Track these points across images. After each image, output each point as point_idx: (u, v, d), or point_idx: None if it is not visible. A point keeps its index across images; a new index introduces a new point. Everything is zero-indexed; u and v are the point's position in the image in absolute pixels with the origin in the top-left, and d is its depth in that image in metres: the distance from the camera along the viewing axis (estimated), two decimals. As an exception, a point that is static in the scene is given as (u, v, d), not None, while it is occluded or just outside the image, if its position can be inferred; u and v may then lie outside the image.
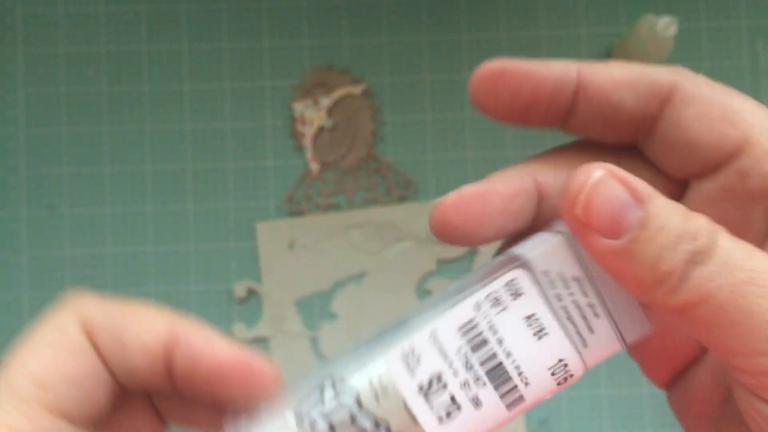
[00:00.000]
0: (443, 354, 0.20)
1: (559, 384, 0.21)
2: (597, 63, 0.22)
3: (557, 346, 0.21)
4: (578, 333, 0.21)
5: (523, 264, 0.21)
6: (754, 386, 0.19)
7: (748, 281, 0.19)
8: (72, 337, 0.22)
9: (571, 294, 0.21)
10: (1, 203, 0.60)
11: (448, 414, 0.20)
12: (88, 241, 0.60)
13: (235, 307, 0.60)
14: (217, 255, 0.60)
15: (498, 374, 0.21)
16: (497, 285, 0.21)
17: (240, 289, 0.60)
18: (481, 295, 0.21)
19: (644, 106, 0.22)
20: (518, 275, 0.21)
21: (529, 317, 0.21)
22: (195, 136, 0.61)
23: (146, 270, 0.60)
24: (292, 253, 0.60)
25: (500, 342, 0.21)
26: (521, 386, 0.21)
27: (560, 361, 0.21)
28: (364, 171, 0.61)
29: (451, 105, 0.61)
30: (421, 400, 0.20)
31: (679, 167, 0.22)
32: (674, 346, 0.25)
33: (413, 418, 0.20)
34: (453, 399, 0.20)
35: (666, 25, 0.53)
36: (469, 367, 0.20)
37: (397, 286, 0.59)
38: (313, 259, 0.60)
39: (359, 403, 0.20)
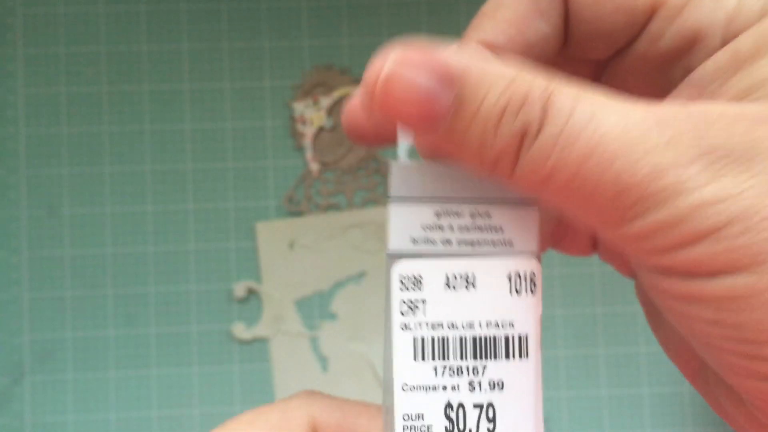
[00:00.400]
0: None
1: (531, 292, 0.20)
2: None
3: (490, 279, 0.20)
4: (493, 244, 0.20)
5: (395, 257, 0.20)
6: (636, 253, 0.17)
7: (591, 152, 0.16)
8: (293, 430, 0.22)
9: (450, 227, 0.20)
10: (1, 203, 0.60)
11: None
12: (88, 241, 0.60)
13: (235, 307, 0.60)
14: (217, 255, 0.60)
15: (481, 348, 0.20)
16: (396, 298, 0.20)
17: (240, 289, 0.60)
18: (396, 318, 0.20)
19: None
20: (401, 271, 0.20)
21: (447, 285, 0.20)
22: (195, 136, 0.61)
23: (146, 270, 0.60)
24: (292, 253, 0.60)
25: (453, 326, 0.20)
26: (509, 333, 0.20)
27: (510, 278, 0.20)
28: (364, 171, 0.61)
29: (451, 105, 0.61)
30: None
31: (599, 45, 0.20)
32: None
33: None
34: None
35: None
36: (459, 371, 0.20)
37: (397, 286, 0.59)
38: (313, 259, 0.60)
39: None
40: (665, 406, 0.59)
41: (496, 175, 0.17)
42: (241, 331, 0.59)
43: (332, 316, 0.60)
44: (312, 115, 0.61)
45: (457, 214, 0.20)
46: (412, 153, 0.21)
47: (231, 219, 0.60)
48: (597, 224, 0.17)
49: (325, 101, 0.61)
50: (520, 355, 0.20)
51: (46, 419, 0.59)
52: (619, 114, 0.16)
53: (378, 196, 0.60)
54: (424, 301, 0.20)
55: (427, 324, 0.20)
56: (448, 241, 0.20)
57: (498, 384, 0.20)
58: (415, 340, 0.20)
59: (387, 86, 0.17)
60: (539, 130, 0.16)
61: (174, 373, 0.59)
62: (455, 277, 0.20)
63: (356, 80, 0.61)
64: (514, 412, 0.20)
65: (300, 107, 0.61)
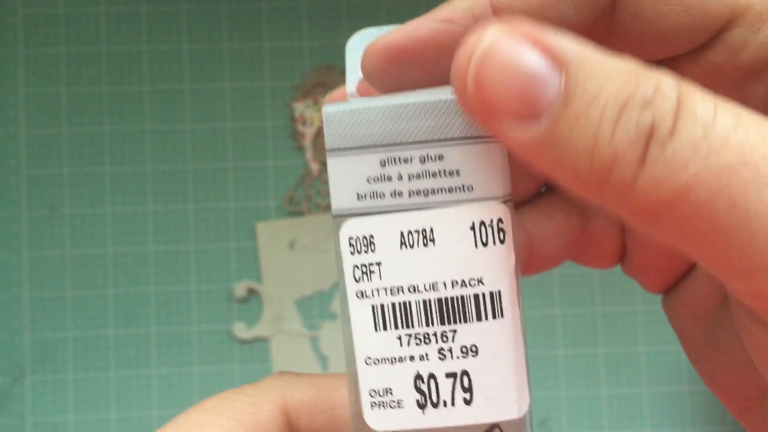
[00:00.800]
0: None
1: (500, 241, 0.17)
2: None
3: (451, 231, 0.17)
4: (449, 191, 0.17)
5: (340, 217, 0.18)
6: (757, 308, 0.14)
7: (741, 163, 0.13)
8: (262, 421, 0.20)
9: (399, 176, 0.17)
10: (1, 203, 0.60)
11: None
12: (88, 241, 0.60)
13: (235, 307, 0.60)
14: (217, 255, 0.60)
15: (449, 311, 0.18)
16: (347, 263, 0.18)
17: (240, 289, 0.60)
18: (350, 286, 0.18)
19: None
20: (349, 232, 0.17)
21: (403, 243, 0.17)
22: (195, 136, 0.61)
23: (146, 270, 0.60)
24: (292, 253, 0.60)
25: (414, 289, 0.18)
26: (478, 291, 0.17)
27: (473, 228, 0.17)
28: (364, 171, 0.61)
29: (451, 105, 0.61)
30: None
31: (653, 47, 0.17)
32: (667, 255, 0.20)
33: None
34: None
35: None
36: (426, 338, 0.18)
37: (397, 285, 0.59)
38: (313, 259, 0.60)
39: None
40: (665, 406, 0.59)
41: (607, 188, 0.13)
42: (241, 331, 0.59)
43: (332, 316, 0.60)
44: (312, 115, 0.61)
45: (406, 161, 0.17)
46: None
47: (231, 219, 0.60)
48: (722, 260, 0.13)
49: (325, 101, 0.61)
50: (494, 315, 0.17)
51: (46, 419, 0.59)
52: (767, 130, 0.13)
53: (378, 196, 0.60)
54: (378, 264, 0.17)
55: (385, 289, 0.18)
56: (398, 193, 0.17)
57: (471, 349, 0.18)
58: (373, 308, 0.18)
59: (484, 60, 0.14)
60: (673, 131, 0.13)
61: (174, 373, 0.59)
62: (411, 233, 0.17)
63: (356, 80, 0.61)
64: (492, 379, 0.18)
65: (300, 107, 0.61)
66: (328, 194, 0.60)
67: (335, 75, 0.61)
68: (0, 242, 0.60)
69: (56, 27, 0.61)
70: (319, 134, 0.61)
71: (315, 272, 0.60)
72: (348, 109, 0.17)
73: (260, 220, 0.60)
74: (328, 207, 0.60)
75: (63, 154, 0.60)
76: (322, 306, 0.60)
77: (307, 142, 0.60)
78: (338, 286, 0.60)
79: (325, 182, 0.60)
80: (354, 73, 0.19)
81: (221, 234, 0.60)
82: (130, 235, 0.60)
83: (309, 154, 0.60)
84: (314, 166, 0.60)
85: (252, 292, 0.60)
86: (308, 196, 0.60)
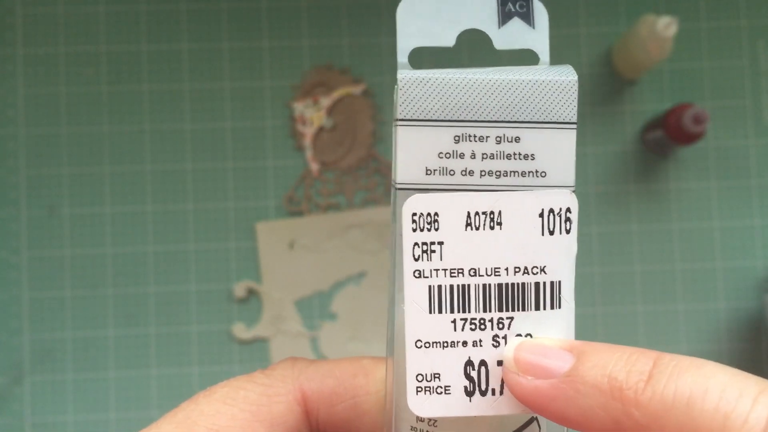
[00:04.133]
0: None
1: (566, 231, 0.17)
2: None
3: (519, 216, 0.16)
4: (522, 174, 0.17)
5: (405, 191, 0.17)
6: None
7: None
8: (277, 414, 0.19)
9: (472, 155, 0.17)
10: (1, 203, 0.60)
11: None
12: (88, 241, 0.60)
13: (235, 307, 0.60)
14: (217, 255, 0.60)
15: (508, 298, 0.17)
16: (408, 240, 0.17)
17: (240, 289, 0.60)
18: (408, 264, 0.17)
19: None
20: (414, 207, 0.17)
21: (468, 224, 0.17)
22: (195, 136, 0.61)
23: (146, 270, 0.60)
24: (292, 253, 0.60)
25: (475, 272, 0.17)
26: (540, 280, 0.17)
27: (542, 215, 0.17)
28: (364, 171, 0.61)
29: (451, 105, 0.61)
30: None
31: None
32: None
33: None
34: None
35: (666, 25, 0.53)
36: (482, 324, 0.17)
37: (397, 286, 0.59)
38: (313, 259, 0.60)
39: None
40: (665, 406, 0.59)
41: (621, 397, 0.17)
42: (241, 331, 0.59)
43: (332, 316, 0.60)
44: (312, 115, 0.61)
45: (481, 139, 0.17)
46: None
47: (231, 219, 0.60)
48: None
49: (325, 101, 0.61)
50: (552, 306, 0.17)
51: (46, 419, 0.59)
52: None
53: (378, 196, 0.60)
54: (441, 243, 0.17)
55: (444, 270, 0.17)
56: (469, 172, 0.17)
57: (525, 337, 0.17)
58: (430, 289, 0.17)
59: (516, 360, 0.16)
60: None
61: (174, 373, 0.59)
62: (478, 215, 0.17)
63: (356, 80, 0.61)
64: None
65: (300, 107, 0.61)
66: (328, 194, 0.60)
67: (335, 75, 0.61)
68: (0, 242, 0.60)
69: (55, 27, 0.61)
70: (318, 134, 0.61)
71: (315, 272, 0.60)
72: (426, 77, 0.17)
73: (260, 220, 0.60)
74: (327, 207, 0.60)
75: (62, 154, 0.60)
76: (321, 306, 0.60)
77: (307, 142, 0.60)
78: (338, 287, 0.60)
79: (325, 182, 0.60)
80: (405, 40, 0.18)
81: (221, 234, 0.60)
82: (130, 235, 0.60)
83: (309, 154, 0.60)
84: (314, 166, 0.60)
85: (252, 293, 0.60)
86: (308, 196, 0.60)
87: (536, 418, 0.18)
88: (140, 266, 0.60)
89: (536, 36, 0.19)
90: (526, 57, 0.20)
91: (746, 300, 0.60)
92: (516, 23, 0.19)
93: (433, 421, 0.18)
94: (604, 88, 0.61)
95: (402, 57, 0.19)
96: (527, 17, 0.19)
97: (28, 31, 0.61)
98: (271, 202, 0.60)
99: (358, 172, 0.61)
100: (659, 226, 0.60)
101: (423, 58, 0.19)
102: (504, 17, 0.19)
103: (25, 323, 0.59)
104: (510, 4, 0.18)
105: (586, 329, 0.59)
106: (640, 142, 0.60)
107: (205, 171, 0.60)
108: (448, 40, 0.19)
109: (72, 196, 0.60)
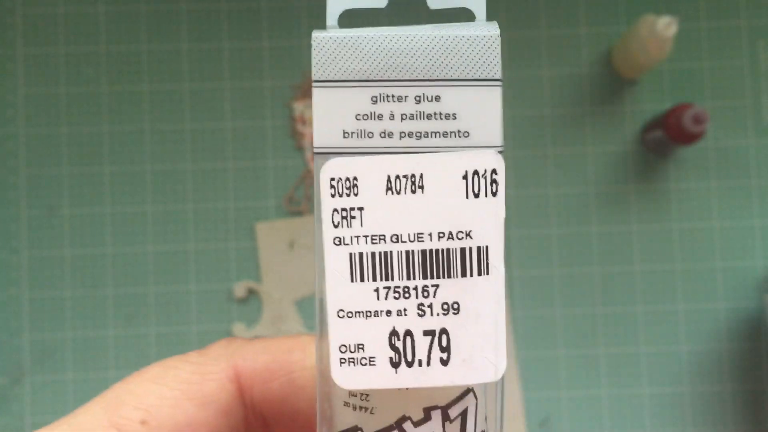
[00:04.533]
0: None
1: (492, 194, 0.16)
2: None
3: (442, 178, 0.16)
4: (444, 135, 0.16)
5: (323, 155, 0.16)
6: None
7: None
8: (208, 392, 0.19)
9: (390, 115, 0.16)
10: (1, 203, 0.60)
11: None
12: (88, 241, 0.60)
13: (235, 307, 0.60)
14: (217, 255, 0.60)
15: (433, 264, 0.16)
16: (326, 206, 0.16)
17: (240, 289, 0.60)
18: (328, 231, 0.16)
19: None
20: (332, 172, 0.16)
21: (389, 188, 0.16)
22: (195, 136, 0.61)
23: (146, 270, 0.60)
24: (292, 253, 0.60)
25: (398, 238, 0.16)
26: (465, 245, 0.16)
27: (466, 177, 0.16)
28: (364, 171, 0.61)
29: (451, 105, 0.61)
30: None
31: None
32: None
33: None
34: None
35: (666, 25, 0.53)
36: (406, 292, 0.16)
37: (397, 286, 0.59)
38: (313, 259, 0.60)
39: None
40: (665, 406, 0.59)
41: None
42: (241, 331, 0.59)
43: (332, 316, 0.60)
44: (312, 115, 0.61)
45: (400, 99, 0.16)
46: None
47: (231, 219, 0.60)
48: None
49: (325, 101, 0.61)
50: (479, 272, 0.16)
51: (46, 419, 0.59)
52: None
53: (378, 196, 0.60)
54: (361, 209, 0.16)
55: (365, 237, 0.16)
56: (388, 134, 0.16)
57: (452, 307, 0.16)
58: (351, 256, 0.16)
59: None
60: None
61: (174, 373, 0.59)
62: (398, 178, 0.16)
63: (356, 80, 0.61)
64: (472, 339, 0.16)
65: (300, 107, 0.61)
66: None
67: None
68: (0, 242, 0.60)
69: (56, 27, 0.61)
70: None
71: (315, 272, 0.59)
72: (341, 36, 0.16)
73: (260, 220, 0.60)
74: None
75: (62, 154, 0.60)
76: (322, 306, 0.60)
77: (307, 142, 0.60)
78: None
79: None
80: (335, 3, 0.18)
81: (221, 234, 0.60)
82: (130, 235, 0.60)
83: (309, 154, 0.60)
84: (314, 166, 0.60)
85: (252, 293, 0.60)
86: (308, 196, 0.60)
87: (472, 390, 0.17)
88: (140, 266, 0.60)
89: None
90: (463, 17, 0.19)
91: (746, 300, 0.60)
92: None
93: (365, 396, 0.17)
94: (604, 88, 0.61)
95: (331, 20, 0.18)
96: None
97: (28, 31, 0.61)
98: (271, 202, 0.60)
99: (358, 172, 0.61)
100: (659, 226, 0.60)
101: (355, 22, 0.19)
102: None
103: (25, 323, 0.59)
104: None
105: (586, 329, 0.59)
106: (640, 142, 0.60)
107: (205, 171, 0.60)
108: (380, 1, 0.19)
109: (72, 196, 0.60)
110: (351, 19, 0.19)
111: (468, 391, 0.17)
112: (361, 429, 0.17)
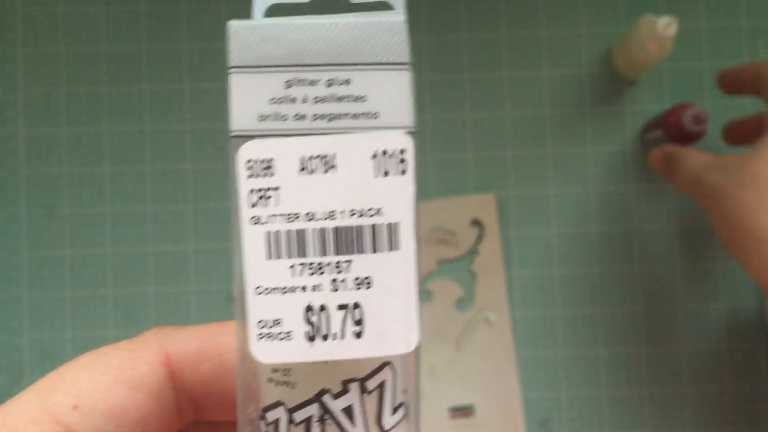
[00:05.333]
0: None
1: (401, 172, 0.17)
2: None
3: (352, 158, 0.17)
4: (354, 117, 0.17)
5: (240, 138, 0.17)
6: None
7: None
8: (139, 376, 0.20)
9: (303, 99, 0.17)
10: (1, 203, 0.60)
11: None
12: (88, 241, 0.60)
13: (235, 307, 0.60)
14: (217, 255, 0.60)
15: (345, 241, 0.17)
16: (243, 187, 0.17)
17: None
18: (245, 211, 0.17)
19: None
20: (248, 154, 0.17)
21: (303, 169, 0.17)
22: (195, 136, 0.61)
23: (146, 270, 0.60)
24: (292, 253, 0.60)
25: (312, 216, 0.17)
26: (376, 222, 0.17)
27: (375, 157, 0.17)
28: (364, 171, 0.61)
29: (451, 105, 0.61)
30: None
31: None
32: None
33: None
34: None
35: (666, 25, 0.53)
36: (320, 268, 0.17)
37: (397, 286, 0.59)
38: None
39: None
40: (665, 406, 0.59)
41: None
42: (241, 331, 0.59)
43: (332, 316, 0.60)
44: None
45: (312, 83, 0.17)
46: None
47: (231, 219, 0.60)
48: None
49: (325, 101, 0.61)
50: (390, 247, 0.17)
51: (46, 419, 0.59)
52: None
53: (378, 196, 0.60)
54: (276, 189, 0.17)
55: (281, 215, 0.17)
56: (301, 116, 0.17)
57: (365, 281, 0.17)
58: (268, 235, 0.17)
59: None
60: None
61: (174, 373, 0.59)
62: (311, 159, 0.17)
63: (356, 80, 0.61)
64: (384, 313, 0.17)
65: (300, 107, 0.61)
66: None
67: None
68: (0, 242, 0.60)
69: (56, 26, 0.61)
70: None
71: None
72: (255, 24, 0.17)
73: (260, 220, 0.60)
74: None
75: (62, 154, 0.60)
76: (322, 306, 0.60)
77: (307, 142, 0.60)
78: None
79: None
80: (262, 0, 0.19)
81: (221, 234, 0.60)
82: (130, 236, 0.60)
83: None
84: (314, 166, 0.60)
85: (252, 293, 0.60)
86: (308, 196, 0.60)
87: (390, 363, 0.18)
88: (140, 266, 0.60)
89: None
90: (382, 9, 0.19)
91: (746, 300, 0.60)
92: None
93: (286, 371, 0.18)
94: (604, 88, 0.61)
95: (257, 15, 0.19)
96: None
97: (28, 31, 0.61)
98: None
99: (358, 172, 0.60)
100: (659, 226, 0.60)
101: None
102: None
103: (25, 324, 0.59)
104: None
105: (586, 329, 0.59)
106: (640, 142, 0.60)
107: (205, 171, 0.60)
108: None
109: (72, 196, 0.60)
110: (278, 14, 0.19)
111: (385, 364, 0.18)
112: (283, 404, 0.18)
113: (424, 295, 0.60)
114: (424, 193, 0.60)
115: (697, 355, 0.59)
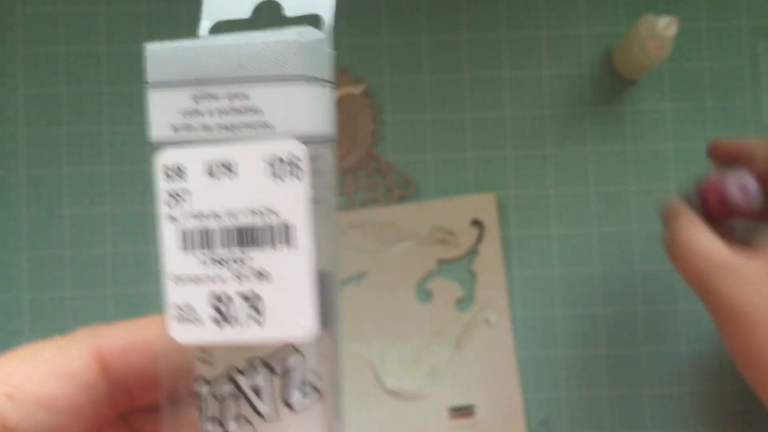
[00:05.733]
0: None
1: (297, 177, 0.19)
2: None
3: (250, 164, 0.19)
4: (251, 127, 0.19)
5: (157, 146, 0.20)
6: None
7: None
8: (71, 369, 0.21)
9: (209, 112, 0.19)
10: (1, 203, 0.60)
11: None
12: (88, 241, 0.60)
13: (235, 307, 0.60)
14: (217, 255, 0.60)
15: (245, 238, 0.20)
16: (161, 189, 0.20)
17: (240, 289, 0.59)
18: (163, 210, 0.20)
19: None
20: (163, 160, 0.20)
21: (209, 173, 0.20)
22: (195, 136, 0.61)
23: (146, 270, 0.60)
24: (292, 253, 0.60)
25: (217, 215, 0.20)
26: (272, 221, 0.20)
27: (271, 163, 0.19)
28: (364, 171, 0.61)
29: (451, 105, 0.61)
30: None
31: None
32: None
33: None
34: None
35: (666, 25, 0.53)
36: (224, 261, 0.20)
37: (397, 286, 0.59)
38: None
39: None
40: (665, 406, 0.59)
41: None
42: (241, 331, 0.59)
43: (332, 316, 0.60)
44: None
45: (215, 97, 0.19)
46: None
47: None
48: None
49: (325, 101, 0.61)
50: (288, 245, 0.19)
51: (46, 419, 0.59)
52: None
53: (378, 196, 0.60)
54: (188, 191, 0.20)
55: (192, 214, 0.20)
56: (207, 127, 0.19)
57: (264, 274, 0.20)
58: (183, 231, 0.20)
59: None
60: None
61: (174, 373, 0.59)
62: (216, 165, 0.19)
63: (356, 80, 0.61)
64: (283, 304, 0.19)
65: (300, 107, 0.61)
66: (328, 194, 0.59)
67: (335, 75, 0.61)
68: (0, 242, 0.60)
69: (56, 26, 0.61)
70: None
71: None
72: (167, 47, 0.19)
73: (260, 220, 0.60)
74: (328, 207, 0.60)
75: (62, 154, 0.60)
76: (322, 306, 0.60)
77: (307, 142, 0.60)
78: (340, 283, 0.60)
79: (325, 182, 0.60)
80: (208, 17, 0.22)
81: (221, 234, 0.60)
82: (130, 236, 0.60)
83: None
84: (314, 166, 0.60)
85: (252, 293, 0.60)
86: (308, 196, 0.60)
87: (294, 346, 0.20)
88: (140, 266, 0.60)
89: (322, 1, 0.22)
90: (313, 22, 0.23)
91: (746, 300, 0.60)
92: None
93: (206, 350, 0.21)
94: (604, 88, 0.61)
95: (203, 32, 0.22)
96: None
97: (28, 31, 0.61)
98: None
99: (358, 172, 0.61)
100: (659, 226, 0.60)
101: (223, 31, 0.21)
102: None
103: (25, 324, 0.59)
104: None
105: (586, 330, 0.59)
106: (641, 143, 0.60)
107: (205, 171, 0.60)
108: (245, 13, 0.22)
109: (72, 196, 0.60)
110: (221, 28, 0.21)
111: (289, 346, 0.20)
112: (204, 377, 0.21)
113: (424, 295, 0.60)
114: (424, 193, 0.60)
115: (697, 355, 0.59)
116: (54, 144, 0.60)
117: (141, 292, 0.60)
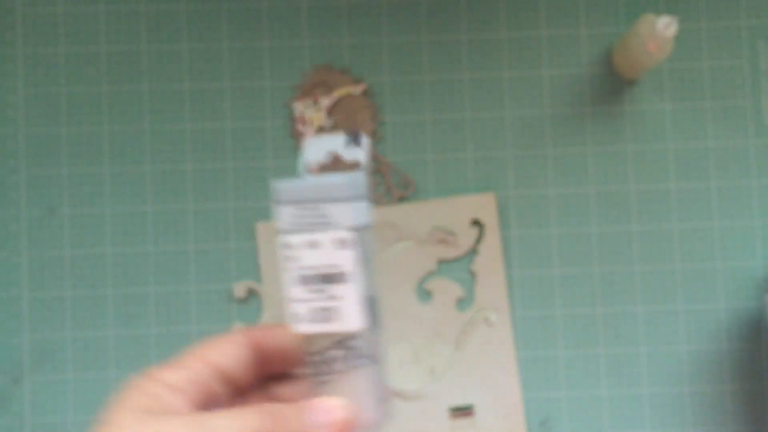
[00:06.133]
0: None
1: (349, 248, 0.32)
2: None
3: (326, 242, 0.33)
4: (324, 225, 0.33)
5: (282, 233, 0.33)
6: None
7: None
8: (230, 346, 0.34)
9: (304, 215, 0.33)
10: (1, 203, 0.60)
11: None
12: (88, 241, 0.60)
13: (235, 307, 0.60)
14: (217, 255, 0.60)
15: (324, 278, 0.33)
16: (283, 255, 0.33)
17: (240, 289, 0.59)
18: (284, 265, 0.33)
19: None
20: (284, 240, 0.33)
21: (306, 246, 0.33)
22: (195, 136, 0.61)
23: (146, 270, 0.60)
24: (292, 253, 0.60)
25: (310, 268, 0.33)
26: (337, 270, 0.33)
27: (335, 242, 0.32)
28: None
29: (451, 105, 0.61)
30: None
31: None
32: None
33: None
34: None
35: (666, 25, 0.53)
36: (316, 290, 0.33)
37: (397, 286, 0.59)
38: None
39: None
40: (665, 406, 0.59)
41: None
42: (241, 331, 0.59)
43: (332, 316, 0.60)
44: (312, 115, 0.61)
45: (306, 209, 0.33)
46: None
47: (231, 219, 0.60)
48: None
49: (325, 101, 0.61)
50: (345, 282, 0.32)
51: (46, 419, 0.59)
52: None
53: (378, 195, 0.60)
54: (296, 257, 0.33)
55: (298, 267, 0.33)
56: (303, 224, 0.33)
57: (336, 297, 0.32)
58: (296, 276, 0.33)
59: None
60: None
61: (174, 373, 0.59)
62: (310, 242, 0.33)
63: (356, 80, 0.61)
64: (346, 313, 0.32)
65: (300, 107, 0.61)
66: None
67: (335, 75, 0.61)
68: (0, 242, 0.60)
69: (55, 26, 0.61)
70: (319, 133, 0.61)
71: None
72: (283, 184, 0.34)
73: (260, 220, 0.60)
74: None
75: (62, 154, 0.60)
76: (322, 306, 0.60)
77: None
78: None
79: (325, 182, 0.60)
80: (304, 167, 0.36)
81: (221, 234, 0.60)
82: (130, 235, 0.60)
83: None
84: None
85: (252, 293, 0.60)
86: (308, 196, 0.60)
87: (354, 333, 0.33)
88: (140, 266, 0.60)
89: (360, 152, 0.35)
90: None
91: (746, 300, 0.60)
92: (352, 147, 0.36)
93: (309, 338, 0.34)
94: (604, 88, 0.61)
95: (300, 168, 0.36)
96: (357, 142, 0.36)
97: (28, 31, 0.61)
98: (271, 202, 0.60)
99: (358, 172, 0.60)
100: (659, 226, 0.60)
101: None
102: (347, 142, 0.36)
103: (25, 323, 0.59)
104: (351, 138, 0.36)
105: (586, 329, 0.59)
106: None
107: (205, 171, 0.60)
108: (322, 158, 0.37)
109: (72, 196, 0.60)
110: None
111: (351, 333, 0.33)
112: (309, 351, 0.34)
113: (424, 294, 0.60)
114: (424, 193, 0.60)
115: (697, 355, 0.59)
116: (54, 144, 0.60)
117: (141, 292, 0.60)
